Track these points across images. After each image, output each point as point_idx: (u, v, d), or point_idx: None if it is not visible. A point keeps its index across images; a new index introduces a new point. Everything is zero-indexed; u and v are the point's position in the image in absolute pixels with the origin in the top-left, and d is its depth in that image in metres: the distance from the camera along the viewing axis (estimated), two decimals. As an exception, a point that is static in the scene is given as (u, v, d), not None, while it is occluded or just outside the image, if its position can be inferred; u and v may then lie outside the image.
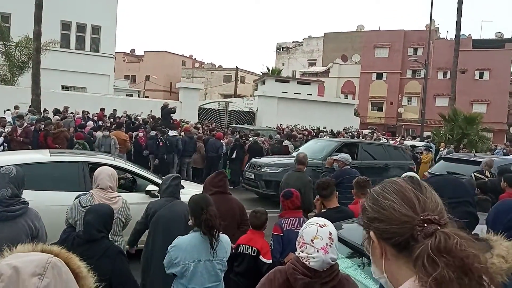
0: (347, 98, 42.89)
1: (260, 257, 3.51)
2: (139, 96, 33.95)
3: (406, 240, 0.97)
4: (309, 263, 2.01)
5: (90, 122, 13.83)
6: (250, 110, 25.85)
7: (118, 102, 20.62)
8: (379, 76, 48.34)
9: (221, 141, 13.08)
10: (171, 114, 16.49)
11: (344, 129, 24.48)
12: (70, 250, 2.67)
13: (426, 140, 21.15)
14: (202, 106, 24.44)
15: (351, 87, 49.24)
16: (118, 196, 3.69)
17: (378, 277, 1.08)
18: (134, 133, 13.27)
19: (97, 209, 2.91)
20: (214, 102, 28.36)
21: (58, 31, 24.55)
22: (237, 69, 41.25)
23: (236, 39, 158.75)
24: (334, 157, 7.08)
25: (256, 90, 34.46)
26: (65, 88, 23.52)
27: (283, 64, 55.14)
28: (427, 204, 1.00)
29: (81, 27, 26.35)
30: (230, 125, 21.42)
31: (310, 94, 31.99)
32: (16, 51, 20.42)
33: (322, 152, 10.91)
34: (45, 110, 15.17)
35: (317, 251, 2.01)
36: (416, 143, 20.54)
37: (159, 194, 4.12)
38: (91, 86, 24.38)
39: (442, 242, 0.90)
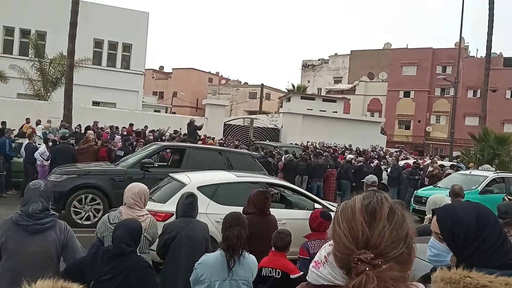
0: (373, 116, 42.43)
1: (291, 276, 3.45)
2: (166, 112, 34.60)
3: (348, 268, 1.04)
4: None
5: (118, 136, 14.14)
6: (275, 127, 25.91)
7: (146, 118, 21.11)
8: (407, 94, 47.66)
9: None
10: (197, 130, 16.74)
11: (371, 147, 24.15)
12: (100, 264, 2.74)
13: (456, 160, 20.56)
14: (227, 122, 24.68)
15: (377, 105, 48.71)
16: (146, 214, 3.70)
17: None
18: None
19: (126, 223, 2.96)
20: (239, 118, 28.59)
21: (91, 49, 25.49)
22: (262, 86, 41.56)
23: (262, 56, 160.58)
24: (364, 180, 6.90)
25: (281, 107, 34.57)
26: (95, 103, 24.24)
27: (309, 81, 55.25)
28: (370, 240, 1.03)
29: (112, 45, 27.29)
30: (253, 142, 21.50)
31: (336, 112, 31.81)
32: (50, 68, 21.28)
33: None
34: (78, 125, 15.65)
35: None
36: (445, 163, 20.01)
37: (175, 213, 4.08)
38: (120, 102, 25.06)
39: (362, 284, 0.97)
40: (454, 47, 41.04)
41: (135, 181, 7.91)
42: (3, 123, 15.20)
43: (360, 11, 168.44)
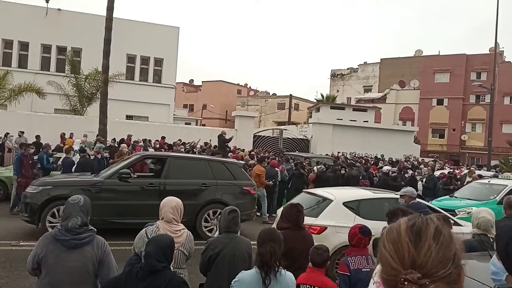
0: (405, 125, 41.47)
1: None
2: (196, 124, 35.07)
3: None
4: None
5: (151, 150, 14.39)
6: (305, 138, 25.74)
7: (178, 131, 21.43)
8: (440, 102, 46.39)
9: (276, 169, 13.04)
10: (227, 143, 16.84)
11: (404, 157, 23.56)
12: (135, 282, 2.74)
13: (494, 169, 19.72)
14: (257, 134, 24.73)
15: (409, 113, 47.63)
16: (182, 229, 3.70)
17: None
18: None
19: (157, 239, 2.95)
20: (268, 129, 28.61)
21: (124, 64, 26.28)
22: (291, 96, 41.51)
23: (289, 67, 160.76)
24: (399, 193, 6.63)
25: (311, 117, 34.36)
26: (129, 117, 24.85)
27: (338, 91, 54.77)
28: (416, 260, 1.03)
29: (145, 60, 28.04)
30: (283, 153, 21.42)
31: (367, 121, 31.32)
32: (86, 83, 22.04)
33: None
34: (113, 139, 16.06)
35: None
36: (483, 172, 19.21)
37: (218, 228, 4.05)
38: (152, 115, 25.61)
39: None
40: (489, 52, 39.79)
41: (112, 192, 8.22)
42: (37, 137, 15.79)
43: (389, 18, 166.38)
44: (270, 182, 12.02)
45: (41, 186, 8.14)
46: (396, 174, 14.56)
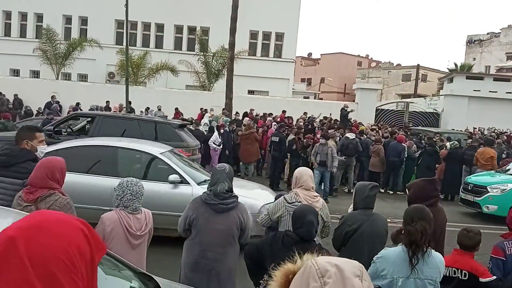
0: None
1: (480, 279, 3.06)
2: (315, 98, 34.84)
3: None
4: None
5: (274, 123, 14.73)
6: (434, 111, 23.70)
7: (297, 105, 21.52)
8: None
9: (403, 144, 12.30)
10: (348, 116, 16.40)
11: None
12: (281, 248, 2.82)
13: None
14: (379, 107, 23.56)
15: None
16: (318, 196, 3.77)
17: None
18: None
19: (312, 209, 2.98)
20: (392, 102, 27.01)
21: (247, 40, 27.12)
22: (418, 66, 38.40)
23: (417, 35, 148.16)
24: None
25: (442, 88, 31.35)
26: (250, 92, 25.76)
27: (474, 59, 48.81)
28: None
29: (266, 35, 28.56)
30: (409, 127, 20.05)
31: (510, 93, 27.43)
32: (213, 61, 23.38)
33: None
34: (236, 113, 16.90)
35: None
36: None
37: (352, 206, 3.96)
38: (272, 90, 26.13)
39: None
40: None
41: None
42: (176, 109, 17.47)
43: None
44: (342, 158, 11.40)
45: None
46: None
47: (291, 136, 11.82)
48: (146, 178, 5.97)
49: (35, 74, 25.95)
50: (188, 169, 6.50)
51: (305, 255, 1.07)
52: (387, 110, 23.46)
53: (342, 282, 0.91)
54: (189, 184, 6.05)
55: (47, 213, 1.00)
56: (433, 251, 2.78)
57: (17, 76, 25.34)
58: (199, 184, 6.06)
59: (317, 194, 3.76)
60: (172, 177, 5.97)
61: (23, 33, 27.80)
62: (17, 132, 3.80)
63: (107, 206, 3.47)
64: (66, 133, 9.22)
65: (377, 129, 16.12)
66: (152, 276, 2.65)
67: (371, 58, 60.09)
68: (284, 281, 1.03)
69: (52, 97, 18.76)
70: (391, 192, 12.11)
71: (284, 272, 1.05)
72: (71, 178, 4.37)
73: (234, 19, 16.73)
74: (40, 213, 0.99)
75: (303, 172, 3.83)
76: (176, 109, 18.49)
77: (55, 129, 9.02)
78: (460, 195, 10.59)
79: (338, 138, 12.41)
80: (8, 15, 27.77)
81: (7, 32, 27.84)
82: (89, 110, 16.44)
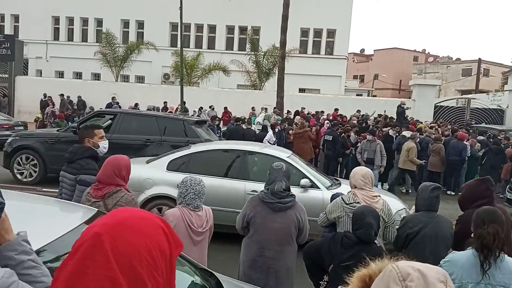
0: None
1: None
2: (368, 96, 33.95)
3: None
4: None
5: (327, 122, 14.52)
6: (498, 108, 22.26)
7: (349, 102, 21.10)
8: None
9: (465, 142, 11.65)
10: (405, 114, 15.81)
11: None
12: (340, 249, 2.77)
13: None
14: (438, 104, 22.52)
15: None
16: (378, 195, 3.65)
17: None
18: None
19: (372, 211, 2.90)
20: (452, 99, 25.71)
21: (298, 38, 26.97)
22: (479, 60, 36.21)
23: (478, 27, 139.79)
24: None
25: (506, 83, 29.39)
26: (301, 90, 25.60)
27: (543, 50, 45.24)
28: None
29: (317, 32, 28.23)
30: (470, 125, 18.97)
31: None
32: (264, 60, 23.47)
33: None
34: (288, 111, 16.86)
35: None
36: None
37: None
38: (324, 88, 25.80)
39: None
40: None
41: (65, 144, 8.57)
42: (225, 108, 17.75)
43: None
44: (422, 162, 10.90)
45: (15, 137, 9.67)
46: None
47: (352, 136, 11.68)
48: None
49: (96, 76, 27.45)
50: (314, 173, 6.54)
51: (383, 259, 1.04)
52: (447, 107, 22.39)
53: (426, 286, 0.88)
54: (319, 188, 6.05)
55: (130, 210, 1.03)
56: (506, 255, 2.61)
57: (79, 78, 26.94)
58: (328, 188, 6.07)
59: (377, 194, 3.64)
60: (304, 181, 6.01)
61: (84, 37, 29.48)
62: (79, 132, 4.09)
63: (239, 209, 3.64)
64: None
65: (436, 127, 15.40)
66: (213, 272, 2.70)
67: (428, 52, 57.58)
68: (361, 286, 1.00)
69: (113, 98, 19.73)
70: (452, 193, 11.53)
71: (360, 276, 1.03)
72: (209, 181, 4.90)
73: (285, 18, 16.67)
74: (124, 210, 1.02)
75: (355, 172, 3.75)
76: (225, 108, 18.81)
77: (80, 126, 9.79)
78: (506, 194, 10.04)
79: (395, 136, 11.97)
80: (71, 21, 29.56)
81: (70, 37, 29.64)
82: (146, 110, 17.13)
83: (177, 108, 17.47)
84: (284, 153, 6.69)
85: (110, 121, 9.70)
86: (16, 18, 29.39)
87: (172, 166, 6.33)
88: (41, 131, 10.72)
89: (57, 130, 9.89)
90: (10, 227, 1.26)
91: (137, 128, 9.04)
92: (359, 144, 10.85)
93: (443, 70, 47.41)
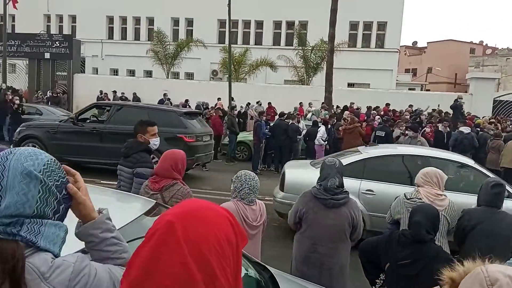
0: None
1: None
2: (421, 90, 32.63)
3: None
4: None
5: (378, 117, 14.15)
6: None
7: (401, 97, 20.39)
8: None
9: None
10: (462, 109, 15.07)
11: None
12: (396, 248, 2.69)
13: None
14: (497, 99, 21.24)
15: None
16: (444, 194, 3.53)
17: None
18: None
19: (426, 209, 2.80)
20: (513, 93, 24.18)
21: (347, 32, 26.39)
22: (545, 51, 33.70)
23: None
24: None
25: None
26: (350, 85, 25.06)
27: None
28: None
29: (367, 25, 27.49)
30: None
31: None
32: (312, 54, 23.19)
33: None
34: (337, 107, 16.57)
35: None
36: None
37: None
38: (374, 82, 25.09)
39: None
40: None
41: (64, 133, 9.81)
42: (269, 103, 17.82)
43: None
44: None
45: (23, 127, 10.49)
46: None
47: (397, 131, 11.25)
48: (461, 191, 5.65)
49: (148, 73, 28.42)
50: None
51: (470, 261, 0.99)
52: (507, 101, 21.06)
53: None
54: None
55: (199, 201, 1.05)
56: None
57: (132, 76, 28.00)
58: None
59: (442, 192, 3.52)
60: None
61: (137, 36, 30.57)
62: (135, 126, 4.24)
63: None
64: (89, 121, 10.74)
65: (495, 122, 14.53)
66: (266, 266, 2.71)
67: (486, 44, 54.36)
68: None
69: (164, 94, 20.33)
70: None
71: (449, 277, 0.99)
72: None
73: (334, 11, 16.37)
74: (193, 201, 1.05)
75: (424, 171, 3.67)
76: (269, 103, 18.67)
77: (79, 118, 10.43)
78: None
79: (445, 132, 11.43)
80: (124, 20, 30.74)
81: (124, 36, 30.84)
82: (196, 106, 17.52)
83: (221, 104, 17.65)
84: (467, 159, 6.68)
85: (107, 112, 10.72)
86: (73, 18, 30.97)
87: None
88: (44, 122, 11.66)
89: (60, 121, 10.91)
90: (93, 207, 1.33)
91: (130, 119, 9.33)
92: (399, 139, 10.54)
93: (502, 62, 44.62)
